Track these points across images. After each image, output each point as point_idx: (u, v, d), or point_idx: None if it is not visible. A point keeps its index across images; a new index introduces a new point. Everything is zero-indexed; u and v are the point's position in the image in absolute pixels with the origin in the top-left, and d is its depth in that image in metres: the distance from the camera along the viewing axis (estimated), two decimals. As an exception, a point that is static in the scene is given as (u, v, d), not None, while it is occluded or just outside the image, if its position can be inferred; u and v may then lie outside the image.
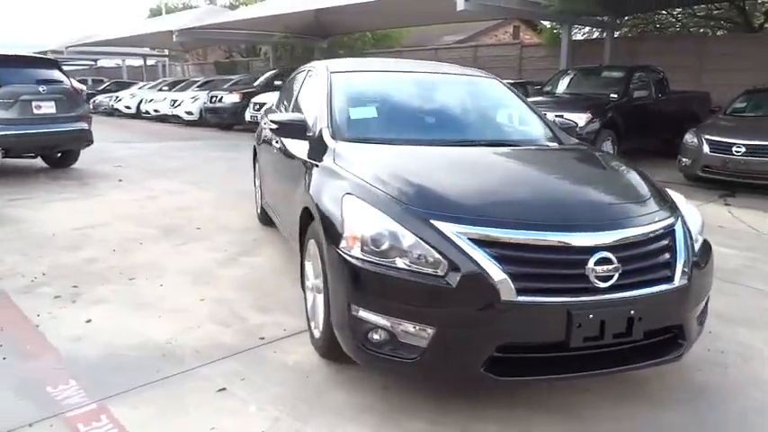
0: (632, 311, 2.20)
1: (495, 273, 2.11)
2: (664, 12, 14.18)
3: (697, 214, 2.74)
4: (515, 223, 2.23)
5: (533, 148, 3.32)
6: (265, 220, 5.26)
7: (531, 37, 24.22)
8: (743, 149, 7.38)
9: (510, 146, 3.25)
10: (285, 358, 2.86)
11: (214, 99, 16.58)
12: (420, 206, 2.32)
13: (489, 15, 13.74)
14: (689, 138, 8.11)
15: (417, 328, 2.19)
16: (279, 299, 3.61)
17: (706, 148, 7.73)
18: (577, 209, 2.39)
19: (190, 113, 17.88)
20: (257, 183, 5.48)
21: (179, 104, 18.41)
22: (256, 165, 5.53)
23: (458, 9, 9.93)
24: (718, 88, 11.70)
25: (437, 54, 18.18)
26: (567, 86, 10.27)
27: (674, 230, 2.45)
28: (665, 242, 2.39)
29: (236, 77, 19.24)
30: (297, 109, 4.11)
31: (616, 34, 13.77)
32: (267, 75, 17.45)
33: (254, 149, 5.62)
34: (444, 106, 3.71)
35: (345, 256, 2.33)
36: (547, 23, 15.05)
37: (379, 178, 2.55)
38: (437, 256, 2.17)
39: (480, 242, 2.17)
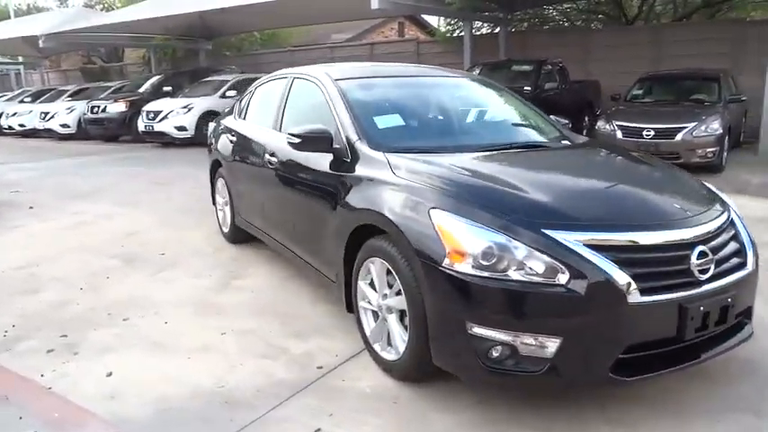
0: (728, 299, 2.34)
1: (620, 277, 2.14)
2: (550, 7, 15.18)
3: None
4: (625, 226, 2.28)
5: (570, 147, 3.40)
6: (237, 238, 4.94)
7: (415, 33, 24.86)
8: (652, 133, 8.11)
9: (547, 147, 3.31)
10: (358, 385, 2.70)
11: (96, 109, 15.20)
12: (525, 216, 2.29)
13: (400, 12, 13.89)
14: (602, 124, 8.76)
15: (542, 339, 2.17)
16: (309, 322, 3.39)
17: (619, 134, 8.40)
18: (668, 207, 2.49)
19: (66, 126, 16.27)
20: (222, 200, 5.10)
21: (51, 117, 16.65)
22: (218, 182, 5.14)
23: (373, 7, 9.90)
24: (603, 77, 12.76)
25: (332, 52, 18.04)
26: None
27: (732, 220, 2.64)
28: (732, 231, 2.57)
29: (113, 84, 17.79)
30: (294, 122, 3.88)
31: (510, 29, 14.49)
32: (153, 81, 16.31)
33: (213, 166, 5.22)
34: (464, 111, 3.70)
35: (453, 273, 2.24)
36: (442, 20, 15.45)
37: (459, 189, 2.49)
38: (558, 265, 2.15)
39: (597, 248, 2.19)
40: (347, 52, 17.67)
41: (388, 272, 2.66)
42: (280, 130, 3.95)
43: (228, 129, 4.84)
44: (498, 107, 3.79)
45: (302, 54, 18.90)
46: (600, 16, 15.06)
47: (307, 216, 3.46)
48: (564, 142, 3.51)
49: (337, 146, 3.15)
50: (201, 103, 13.41)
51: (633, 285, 2.14)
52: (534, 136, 3.46)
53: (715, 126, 8.05)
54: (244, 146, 4.48)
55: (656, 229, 2.30)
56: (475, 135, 3.42)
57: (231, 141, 4.71)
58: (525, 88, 9.77)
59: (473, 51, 13.35)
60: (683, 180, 2.90)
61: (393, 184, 2.68)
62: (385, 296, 2.72)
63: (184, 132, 13.15)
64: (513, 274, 2.18)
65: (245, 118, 4.76)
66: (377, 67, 4.17)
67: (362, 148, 3.02)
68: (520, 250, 2.19)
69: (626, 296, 2.13)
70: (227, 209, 5.01)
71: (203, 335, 3.27)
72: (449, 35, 15.52)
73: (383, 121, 3.28)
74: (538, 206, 2.36)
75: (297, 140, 3.17)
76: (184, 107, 13.35)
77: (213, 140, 5.24)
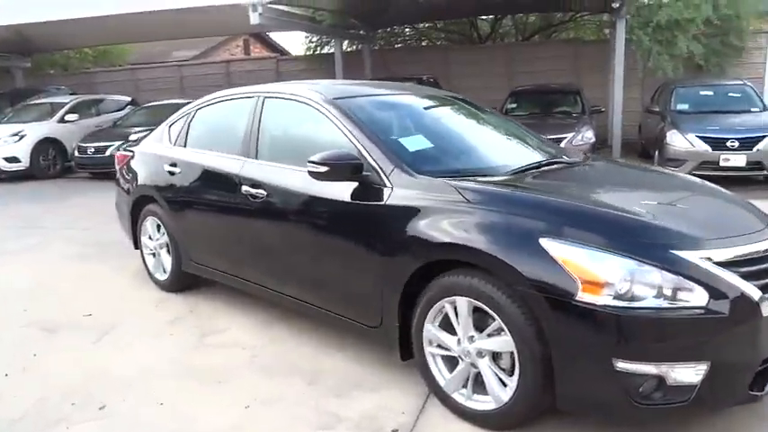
0: None
1: (752, 290, 2.11)
2: (409, 27, 15.65)
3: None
4: (739, 237, 2.26)
5: (589, 162, 3.37)
6: (180, 285, 4.23)
7: (260, 50, 24.16)
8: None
9: (575, 164, 3.24)
10: (454, 444, 2.37)
11: None
12: (646, 238, 2.18)
13: (280, 29, 13.27)
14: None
15: (689, 366, 2.06)
16: (342, 377, 2.94)
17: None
18: (751, 215, 2.53)
19: None
20: (155, 243, 4.33)
21: None
22: (147, 221, 4.36)
23: (252, 22, 9.30)
24: (466, 92, 13.43)
25: (181, 71, 16.80)
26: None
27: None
28: None
29: None
30: (277, 149, 3.41)
31: (373, 47, 14.67)
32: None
33: (136, 203, 4.41)
34: (477, 130, 3.51)
35: (591, 306, 2.05)
36: (304, 38, 15.17)
37: (560, 213, 2.30)
38: (695, 286, 2.06)
39: (724, 264, 2.14)
40: (199, 70, 16.59)
41: (474, 310, 2.38)
42: (256, 158, 3.44)
43: (165, 158, 4.13)
44: (497, 126, 3.66)
45: (145, 73, 17.41)
46: (454, 36, 15.89)
47: (323, 256, 3.01)
48: (569, 158, 3.47)
49: (367, 173, 2.78)
50: (36, 130, 11.61)
51: (764, 296, 2.12)
52: (551, 152, 3.39)
53: (589, 135, 8.81)
54: (198, 177, 3.84)
55: (760, 238, 2.31)
56: (501, 155, 3.24)
57: (172, 173, 4.01)
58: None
59: (338, 68, 13.27)
60: (713, 186, 3.02)
61: (474, 213, 2.41)
62: (471, 339, 2.42)
63: (16, 164, 11.25)
64: (655, 301, 2.05)
65: (185, 145, 4.09)
66: (360, 87, 3.82)
67: (403, 174, 2.70)
68: (654, 274, 2.07)
69: (760, 309, 2.10)
70: (164, 252, 4.27)
71: (222, 414, 2.67)
72: (310, 53, 15.27)
73: (411, 144, 2.97)
74: (650, 226, 2.26)
75: (322, 169, 2.74)
76: (14, 134, 11.44)
77: (135, 172, 4.44)
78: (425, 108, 3.59)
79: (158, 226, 4.29)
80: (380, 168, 2.77)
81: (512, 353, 2.29)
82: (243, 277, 3.61)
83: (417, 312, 2.58)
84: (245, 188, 3.37)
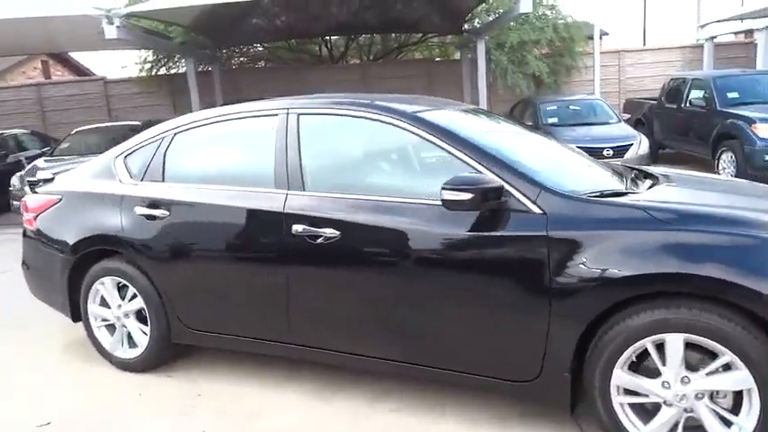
0: None
1: None
2: (259, 46, 14.77)
3: None
4: None
5: (674, 175, 3.18)
6: (160, 360, 3.26)
7: (63, 73, 21.11)
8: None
9: (659, 178, 3.06)
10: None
11: None
12: None
13: (137, 46, 11.44)
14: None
15: None
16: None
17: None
18: None
19: None
20: (120, 311, 3.26)
21: None
22: (104, 283, 3.26)
23: (108, 36, 7.86)
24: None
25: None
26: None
27: None
28: None
29: None
30: (339, 175, 2.77)
31: (223, 67, 13.62)
32: None
33: (72, 264, 3.30)
34: (550, 147, 3.20)
35: None
36: (137, 58, 13.48)
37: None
38: None
39: None
40: (6, 95, 13.79)
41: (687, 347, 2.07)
42: (303, 189, 2.74)
43: (132, 198, 3.13)
44: (551, 143, 3.40)
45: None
46: (307, 55, 15.43)
47: (443, 302, 2.44)
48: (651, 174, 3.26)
49: (504, 198, 2.32)
50: None
51: None
52: (618, 169, 3.20)
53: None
54: (203, 220, 2.96)
55: None
56: (592, 174, 2.94)
57: (152, 217, 3.05)
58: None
59: (192, 89, 12.06)
60: None
61: (678, 235, 2.10)
62: (685, 380, 2.10)
63: None
64: None
65: (162, 179, 3.16)
66: (413, 99, 3.32)
67: (554, 196, 2.30)
68: None
69: None
70: (132, 321, 3.25)
71: None
72: (145, 75, 13.66)
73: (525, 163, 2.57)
74: None
75: (465, 196, 2.22)
76: None
77: (73, 221, 3.32)
78: (491, 123, 3.21)
79: (120, 288, 3.25)
80: (521, 191, 2.32)
81: (742, 391, 2.02)
82: (288, 341, 2.84)
83: (605, 358, 2.18)
84: (297, 228, 2.65)
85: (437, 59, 14.73)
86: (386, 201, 2.54)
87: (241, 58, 15.05)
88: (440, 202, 2.33)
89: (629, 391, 2.20)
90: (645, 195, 2.52)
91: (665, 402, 2.15)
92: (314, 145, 2.83)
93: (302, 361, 2.97)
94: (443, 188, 2.26)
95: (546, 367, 2.29)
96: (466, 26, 12.30)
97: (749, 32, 14.49)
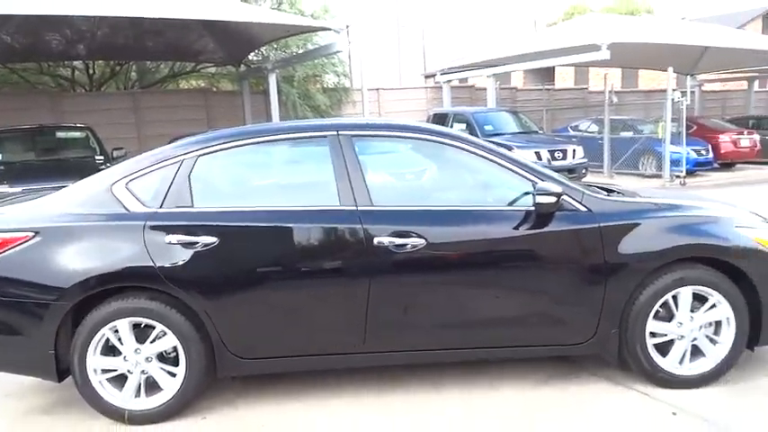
0: None
1: None
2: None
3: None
4: None
5: None
6: (186, 404, 3.00)
7: None
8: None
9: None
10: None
11: None
12: None
13: None
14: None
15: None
16: None
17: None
18: None
19: None
20: (135, 357, 2.86)
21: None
22: (103, 332, 2.82)
23: None
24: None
25: None
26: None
27: None
28: None
29: None
30: (401, 192, 3.09)
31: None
32: None
33: (67, 311, 2.82)
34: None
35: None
36: None
37: None
38: None
39: None
40: None
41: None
42: (371, 204, 2.96)
43: (158, 227, 2.86)
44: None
45: None
46: (65, 81, 13.43)
47: (521, 291, 2.99)
48: None
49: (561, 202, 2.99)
50: None
51: None
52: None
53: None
54: (267, 242, 2.90)
55: None
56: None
57: (192, 244, 2.83)
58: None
59: None
60: None
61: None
62: (691, 318, 3.01)
63: None
64: None
65: (192, 204, 2.95)
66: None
67: (593, 197, 3.06)
68: None
69: None
70: (155, 366, 2.91)
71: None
72: None
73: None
74: None
75: (553, 199, 2.85)
76: None
77: (63, 261, 2.83)
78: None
79: (142, 329, 2.90)
80: (570, 195, 3.00)
81: (721, 320, 3.05)
82: (364, 350, 2.98)
83: (641, 312, 2.97)
84: (379, 240, 2.86)
85: (214, 90, 14.46)
86: (467, 209, 2.98)
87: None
88: (507, 207, 2.91)
89: (653, 334, 3.04)
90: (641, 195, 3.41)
91: (681, 337, 3.04)
92: (370, 164, 3.06)
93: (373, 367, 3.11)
94: (537, 194, 2.83)
95: (600, 327, 3.00)
96: (252, 57, 12.52)
97: (465, 79, 17.86)
